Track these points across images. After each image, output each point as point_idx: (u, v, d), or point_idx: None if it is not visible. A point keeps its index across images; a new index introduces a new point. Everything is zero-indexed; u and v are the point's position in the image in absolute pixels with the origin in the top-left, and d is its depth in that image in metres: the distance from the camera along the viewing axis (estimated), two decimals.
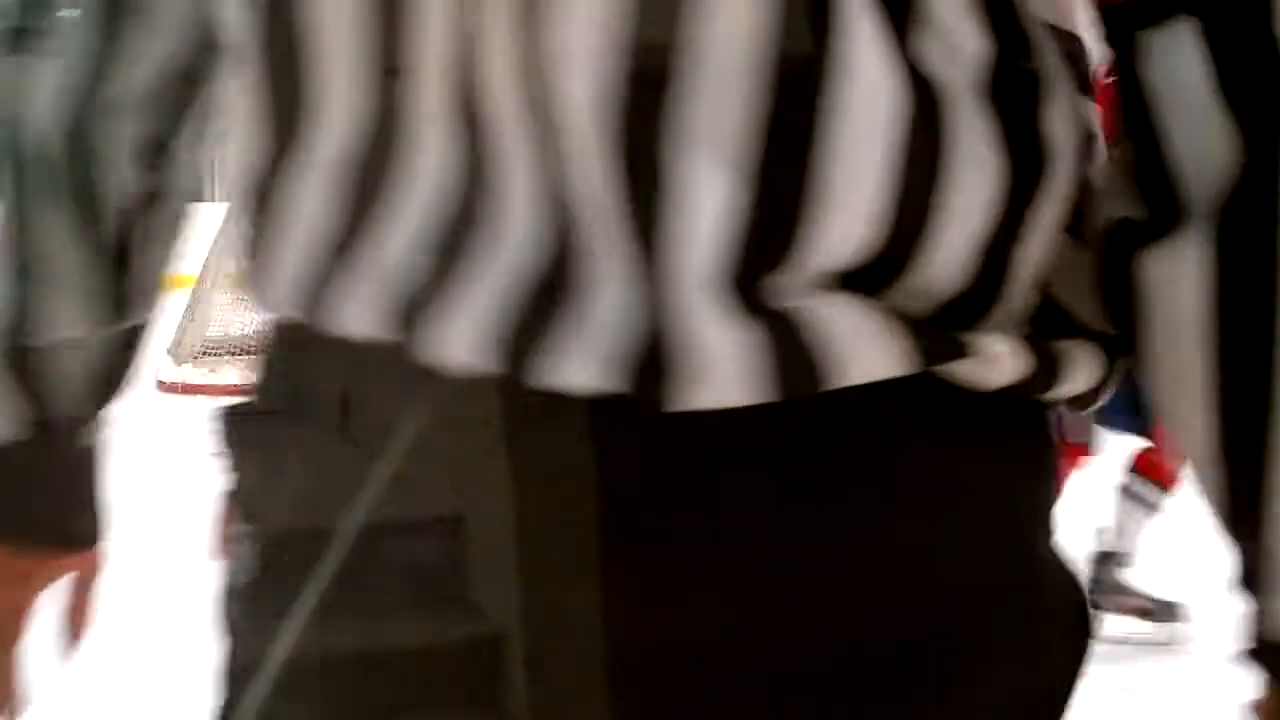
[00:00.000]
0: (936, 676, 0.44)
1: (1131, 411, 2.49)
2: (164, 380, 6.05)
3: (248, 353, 6.35)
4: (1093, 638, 0.49)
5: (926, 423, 0.43)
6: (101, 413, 0.70)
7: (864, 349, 0.41)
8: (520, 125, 0.41)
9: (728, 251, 0.40)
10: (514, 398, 0.41)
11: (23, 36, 0.61)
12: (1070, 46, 0.48)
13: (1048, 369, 0.45)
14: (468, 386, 0.42)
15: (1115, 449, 3.19)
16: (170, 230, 0.71)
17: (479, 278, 0.42)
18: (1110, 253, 0.47)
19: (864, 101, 0.41)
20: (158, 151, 0.65)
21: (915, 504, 0.43)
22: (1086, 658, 0.48)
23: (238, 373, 6.09)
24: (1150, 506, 3.04)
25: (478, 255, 0.42)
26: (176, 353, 6.35)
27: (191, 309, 6.66)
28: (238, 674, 0.52)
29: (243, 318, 6.44)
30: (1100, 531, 3.07)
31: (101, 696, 2.56)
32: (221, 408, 0.56)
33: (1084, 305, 0.48)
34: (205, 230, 7.45)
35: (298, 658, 0.46)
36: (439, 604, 0.45)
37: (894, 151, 0.41)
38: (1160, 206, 0.45)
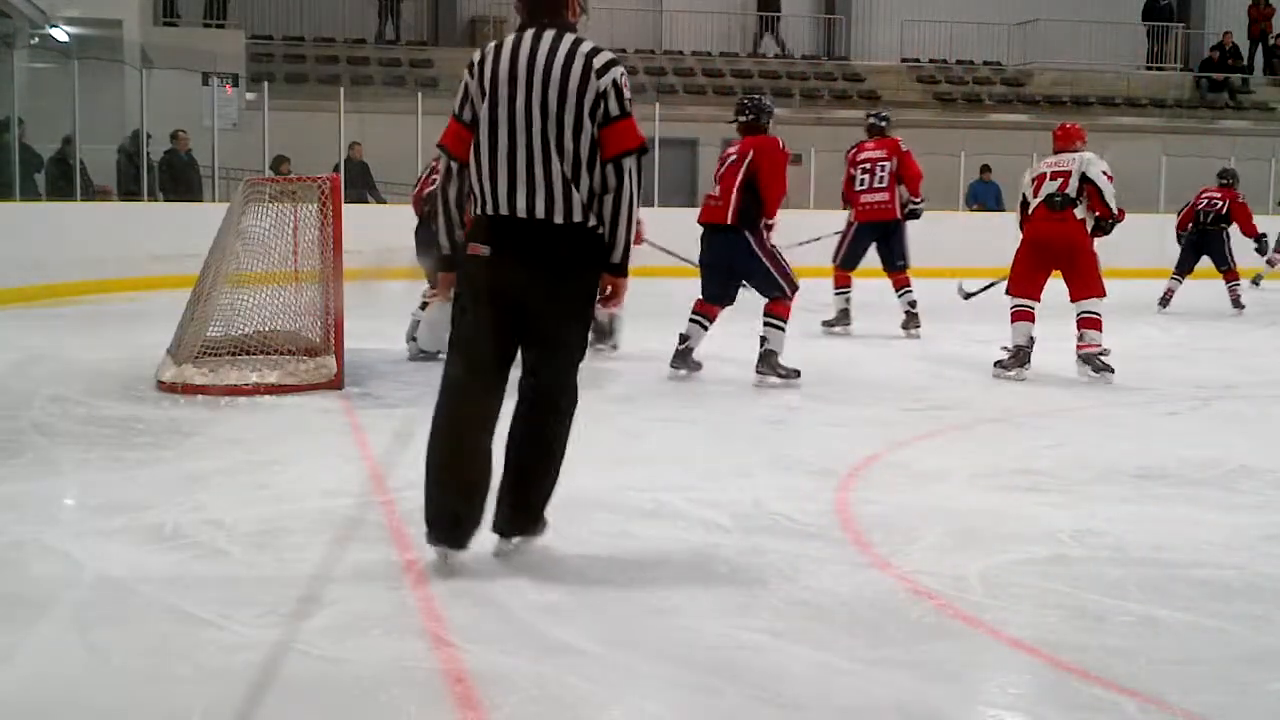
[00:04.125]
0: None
1: None
2: (164, 380, 6.05)
3: (247, 352, 6.35)
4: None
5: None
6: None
7: None
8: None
9: None
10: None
11: None
12: None
13: None
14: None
15: None
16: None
17: None
18: None
19: None
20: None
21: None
22: None
23: (238, 373, 6.10)
24: None
25: None
26: (176, 353, 6.35)
27: (191, 309, 6.66)
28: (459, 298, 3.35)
29: (243, 318, 6.44)
30: None
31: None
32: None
33: None
34: (204, 230, 7.46)
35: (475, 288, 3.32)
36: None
37: None
38: None
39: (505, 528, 3.40)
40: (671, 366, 6.84)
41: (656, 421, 5.63)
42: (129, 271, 11.65)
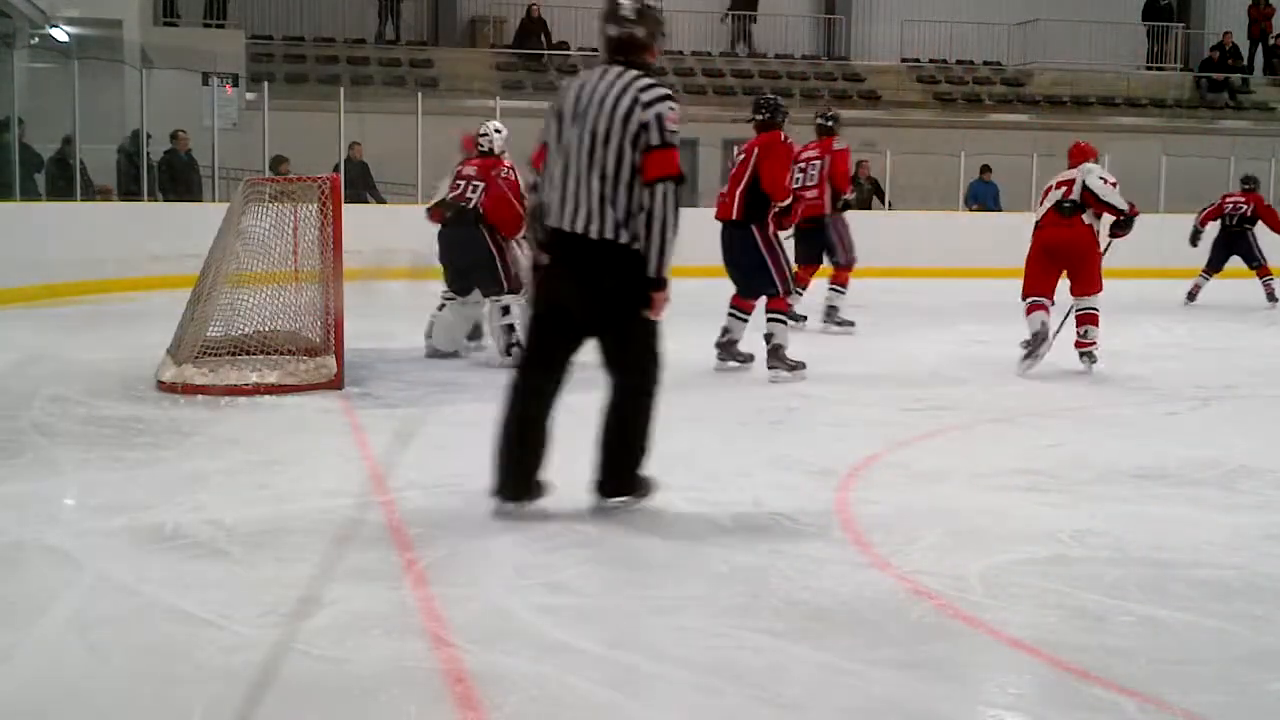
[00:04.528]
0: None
1: None
2: (164, 380, 6.05)
3: (247, 352, 6.35)
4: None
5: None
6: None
7: None
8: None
9: None
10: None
11: None
12: None
13: None
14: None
15: None
16: None
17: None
18: None
19: None
20: None
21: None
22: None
23: (238, 373, 6.10)
24: None
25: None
26: (176, 353, 6.35)
27: (191, 309, 6.66)
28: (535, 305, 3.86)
29: (243, 318, 6.44)
30: None
31: None
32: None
33: None
34: (204, 231, 7.46)
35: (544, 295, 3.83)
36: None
37: None
38: None
39: (604, 490, 3.89)
40: (718, 359, 7.15)
41: (656, 421, 5.62)
42: (129, 271, 11.64)
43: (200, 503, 3.96)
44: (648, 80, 3.73)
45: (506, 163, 7.27)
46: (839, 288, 9.42)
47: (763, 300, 6.96)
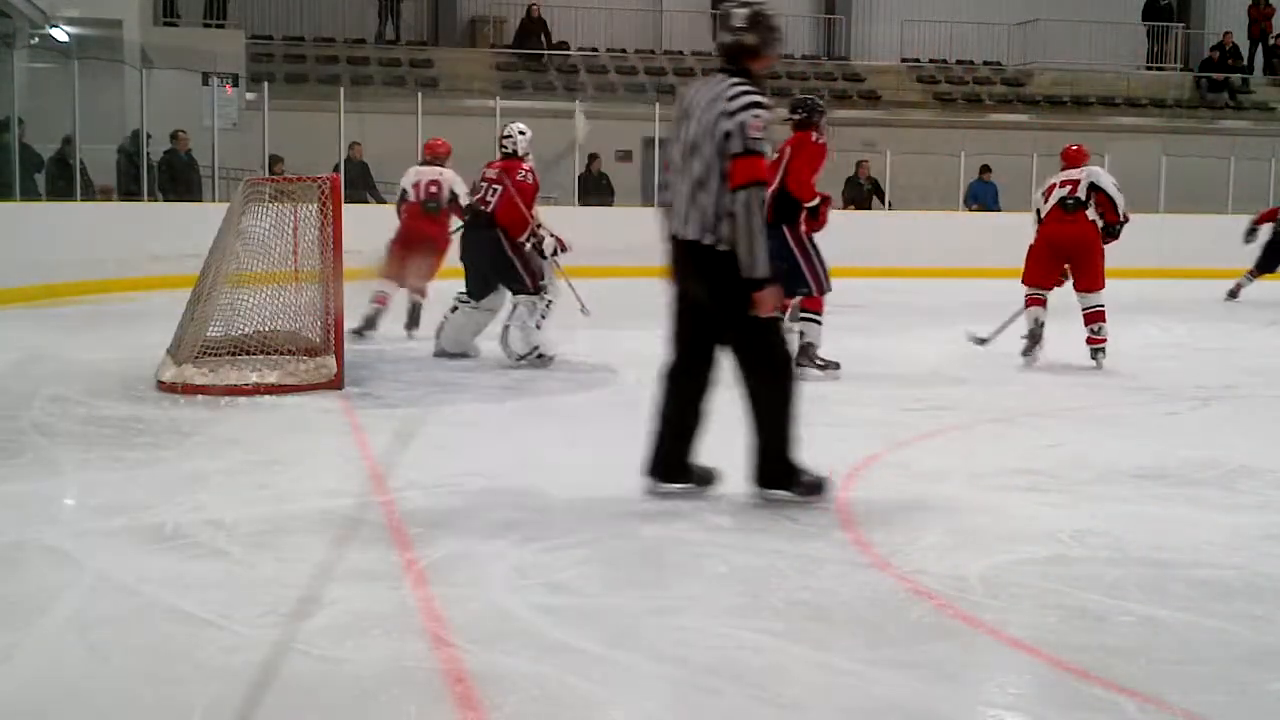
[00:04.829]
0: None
1: None
2: (164, 380, 6.05)
3: (247, 352, 6.35)
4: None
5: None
6: None
7: None
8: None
9: None
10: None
11: None
12: None
13: None
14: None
15: None
16: None
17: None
18: None
19: None
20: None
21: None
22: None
23: (238, 373, 6.10)
24: None
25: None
26: (176, 353, 6.35)
27: (191, 309, 6.66)
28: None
29: (243, 318, 6.44)
30: None
31: None
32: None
33: None
34: (204, 231, 7.46)
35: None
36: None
37: None
38: None
39: (753, 480, 4.04)
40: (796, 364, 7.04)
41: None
42: (129, 271, 11.65)
43: (200, 503, 3.96)
44: (740, 88, 3.83)
45: (527, 165, 7.28)
46: (816, 317, 9.37)
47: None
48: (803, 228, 6.83)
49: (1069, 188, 7.45)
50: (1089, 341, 7.45)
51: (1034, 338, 7.51)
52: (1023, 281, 7.62)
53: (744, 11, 3.94)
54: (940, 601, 3.11)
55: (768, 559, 3.45)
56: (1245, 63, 23.20)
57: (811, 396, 6.40)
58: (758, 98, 3.82)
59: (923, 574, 3.32)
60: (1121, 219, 7.40)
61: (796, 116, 7.05)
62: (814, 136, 6.88)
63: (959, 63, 22.64)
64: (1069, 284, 7.53)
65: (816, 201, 6.87)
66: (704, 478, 4.13)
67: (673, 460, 4.09)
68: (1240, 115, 22.00)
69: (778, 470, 4.03)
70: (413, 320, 8.51)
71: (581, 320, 7.96)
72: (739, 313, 3.89)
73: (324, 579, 3.14)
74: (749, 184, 3.79)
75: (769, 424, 4.02)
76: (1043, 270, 7.53)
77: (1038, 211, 7.67)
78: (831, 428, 5.61)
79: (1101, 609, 3.08)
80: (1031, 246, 7.64)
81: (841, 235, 9.62)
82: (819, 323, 6.94)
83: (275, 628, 2.83)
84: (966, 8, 22.61)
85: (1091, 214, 7.39)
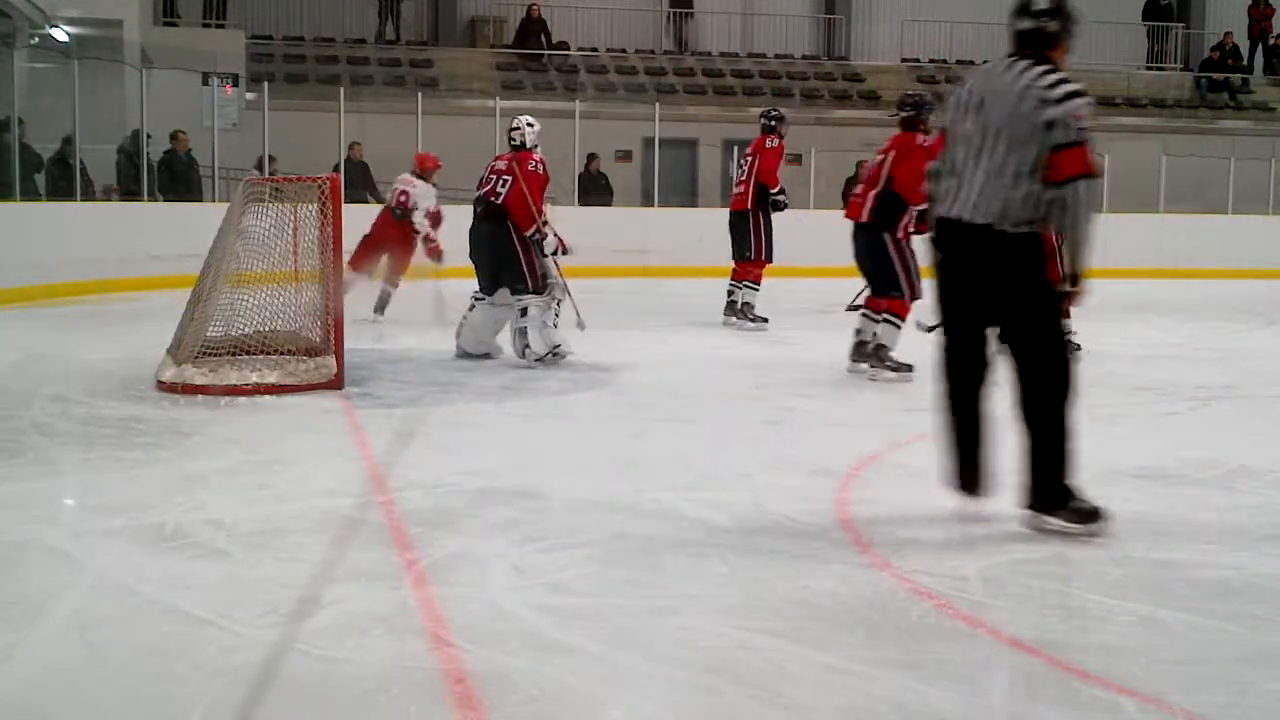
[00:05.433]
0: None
1: None
2: (164, 380, 6.05)
3: (247, 352, 6.35)
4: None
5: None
6: None
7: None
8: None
9: None
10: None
11: None
12: None
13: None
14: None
15: None
16: None
17: None
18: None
19: None
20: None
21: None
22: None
23: (238, 373, 6.10)
24: None
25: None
26: (176, 353, 6.35)
27: (191, 309, 6.66)
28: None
29: (243, 318, 6.44)
30: None
31: None
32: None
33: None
34: (204, 231, 7.47)
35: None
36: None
37: None
38: None
39: (1025, 500, 3.76)
40: (850, 360, 7.07)
41: (656, 421, 5.63)
42: (129, 271, 11.65)
43: (200, 503, 3.96)
44: (1055, 75, 3.68)
45: (536, 156, 7.29)
46: (753, 285, 9.44)
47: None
48: (908, 230, 6.82)
49: None
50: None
51: None
52: None
53: None
54: (940, 601, 3.11)
55: (768, 559, 3.45)
56: (1245, 63, 23.18)
57: (811, 397, 6.44)
58: (1077, 85, 3.66)
59: (923, 574, 3.32)
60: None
61: (905, 113, 7.01)
62: (919, 139, 6.84)
63: (959, 63, 22.59)
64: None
65: (924, 205, 6.86)
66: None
67: (977, 466, 3.87)
68: (1240, 115, 22.00)
69: (1050, 491, 3.72)
70: (380, 307, 9.21)
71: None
72: (1023, 302, 3.74)
73: (324, 579, 3.14)
74: (1080, 175, 3.61)
75: (1042, 434, 3.71)
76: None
77: None
78: (831, 428, 5.62)
79: (1101, 609, 3.09)
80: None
81: (841, 235, 9.65)
82: (899, 326, 6.88)
83: (275, 628, 2.83)
84: (966, 8, 22.57)
85: None
